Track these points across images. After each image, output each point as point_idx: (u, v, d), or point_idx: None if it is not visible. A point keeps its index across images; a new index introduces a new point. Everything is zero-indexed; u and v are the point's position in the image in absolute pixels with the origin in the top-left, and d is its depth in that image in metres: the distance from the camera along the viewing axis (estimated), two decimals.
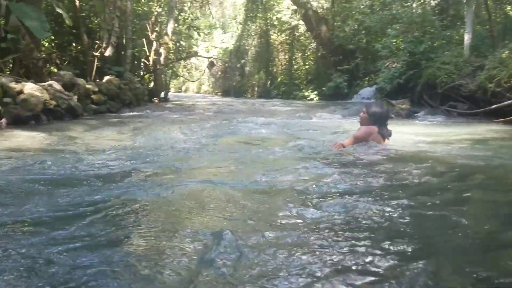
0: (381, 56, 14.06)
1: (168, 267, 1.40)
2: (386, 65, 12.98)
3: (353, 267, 1.42)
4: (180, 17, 17.63)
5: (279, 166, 3.09)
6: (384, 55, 13.50)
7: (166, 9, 16.08)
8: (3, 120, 5.89)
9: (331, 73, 18.32)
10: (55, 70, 10.49)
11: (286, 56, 24.44)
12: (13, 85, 6.57)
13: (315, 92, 19.26)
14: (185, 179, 2.67)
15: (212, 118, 8.69)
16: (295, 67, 23.89)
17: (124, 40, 13.11)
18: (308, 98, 19.08)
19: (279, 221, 1.89)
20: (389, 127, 4.00)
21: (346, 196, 2.28)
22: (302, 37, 23.34)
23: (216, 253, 1.48)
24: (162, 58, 15.14)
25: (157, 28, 15.65)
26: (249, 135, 5.34)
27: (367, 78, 17.12)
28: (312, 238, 1.68)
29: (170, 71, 18.85)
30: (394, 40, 12.84)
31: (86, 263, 1.43)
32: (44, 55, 9.50)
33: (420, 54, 11.16)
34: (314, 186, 2.49)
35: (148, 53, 15.17)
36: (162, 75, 16.12)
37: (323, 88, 18.32)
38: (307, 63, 23.35)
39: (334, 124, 6.80)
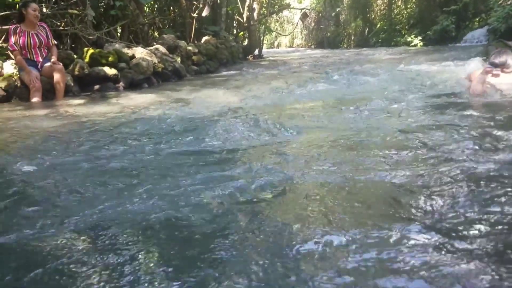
0: None
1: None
2: (500, 2, 11.76)
3: None
4: None
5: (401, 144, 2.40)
6: None
7: None
8: (121, 84, 6.45)
9: (436, 16, 16.83)
10: (157, 34, 11.09)
11: (385, 0, 22.78)
12: (125, 50, 7.10)
13: (419, 37, 17.89)
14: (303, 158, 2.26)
15: (308, 72, 8.53)
16: (395, 11, 22.25)
17: None
18: (411, 44, 17.80)
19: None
20: None
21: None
22: None
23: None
24: (255, 14, 15.08)
25: None
26: (353, 92, 5.00)
27: (477, 19, 15.56)
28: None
29: (263, 26, 18.76)
30: None
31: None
32: (148, 20, 10.06)
33: None
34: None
35: (241, 10, 15.21)
36: (256, 32, 16.13)
37: (428, 32, 16.96)
38: (408, 6, 21.57)
39: (449, 74, 6.05)
